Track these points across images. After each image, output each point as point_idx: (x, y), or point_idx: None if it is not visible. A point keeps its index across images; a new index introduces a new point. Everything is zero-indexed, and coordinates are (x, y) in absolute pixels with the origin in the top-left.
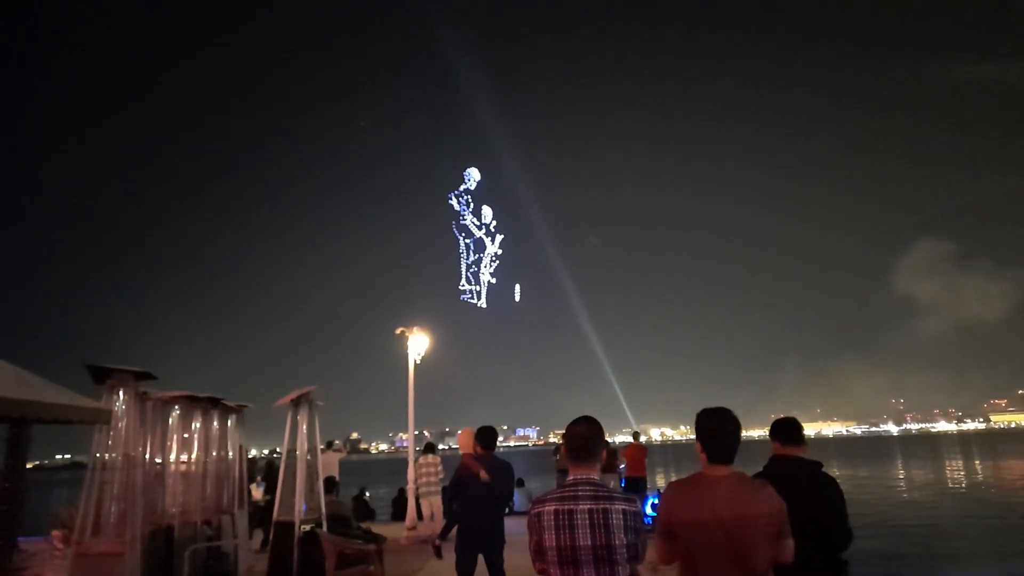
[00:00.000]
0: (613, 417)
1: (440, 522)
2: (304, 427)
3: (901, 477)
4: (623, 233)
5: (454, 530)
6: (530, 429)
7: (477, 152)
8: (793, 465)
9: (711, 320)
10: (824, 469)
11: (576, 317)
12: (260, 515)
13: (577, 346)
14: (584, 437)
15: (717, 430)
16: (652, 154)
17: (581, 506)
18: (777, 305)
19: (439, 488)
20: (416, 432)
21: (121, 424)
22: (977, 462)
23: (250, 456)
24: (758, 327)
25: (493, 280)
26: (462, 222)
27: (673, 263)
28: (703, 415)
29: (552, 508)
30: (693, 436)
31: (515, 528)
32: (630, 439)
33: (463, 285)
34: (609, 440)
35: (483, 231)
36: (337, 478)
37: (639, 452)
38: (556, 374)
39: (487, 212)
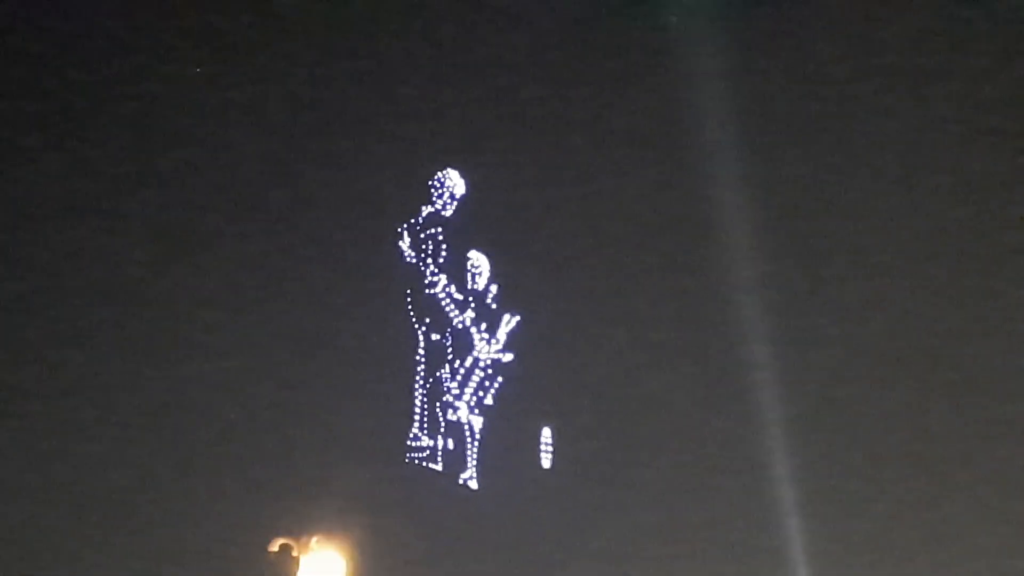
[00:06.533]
0: None
1: None
2: None
3: None
4: None
5: None
6: None
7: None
8: None
9: None
10: None
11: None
12: None
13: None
14: None
15: None
16: None
17: None
18: None
19: None
20: None
21: None
22: None
23: None
24: None
25: (478, 420)
26: (428, 290)
27: None
28: None
29: None
30: None
31: None
32: None
33: (414, 434)
34: None
35: (470, 305)
36: None
37: None
38: None
39: (479, 263)
